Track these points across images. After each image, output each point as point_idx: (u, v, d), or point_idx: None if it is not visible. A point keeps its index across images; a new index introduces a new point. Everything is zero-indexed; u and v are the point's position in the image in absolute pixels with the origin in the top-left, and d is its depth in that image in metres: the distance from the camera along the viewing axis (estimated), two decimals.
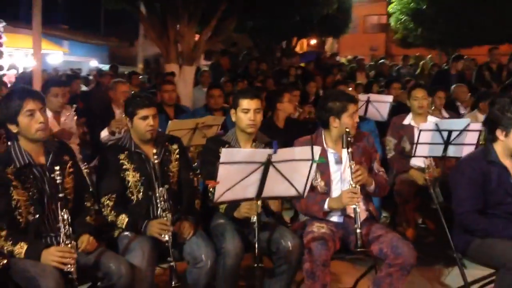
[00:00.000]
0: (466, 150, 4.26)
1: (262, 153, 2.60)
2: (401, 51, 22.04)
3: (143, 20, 9.86)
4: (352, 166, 3.21)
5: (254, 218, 2.78)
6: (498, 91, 8.48)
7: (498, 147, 3.32)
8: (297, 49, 20.76)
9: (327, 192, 3.44)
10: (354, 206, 3.18)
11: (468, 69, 10.49)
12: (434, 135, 4.24)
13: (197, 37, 10.02)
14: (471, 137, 4.24)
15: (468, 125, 4.20)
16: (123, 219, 3.19)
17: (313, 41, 26.46)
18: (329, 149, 3.52)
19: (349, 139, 3.27)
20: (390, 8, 19.15)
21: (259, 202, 2.75)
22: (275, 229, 3.32)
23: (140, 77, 11.78)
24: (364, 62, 13.10)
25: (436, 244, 4.89)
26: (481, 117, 5.89)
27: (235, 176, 2.60)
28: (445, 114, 5.54)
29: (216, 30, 9.73)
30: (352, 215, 3.24)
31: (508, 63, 9.78)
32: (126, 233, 3.19)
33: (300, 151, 2.69)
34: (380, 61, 13.87)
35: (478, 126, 4.25)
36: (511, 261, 3.03)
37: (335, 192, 3.44)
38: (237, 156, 2.56)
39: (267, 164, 2.61)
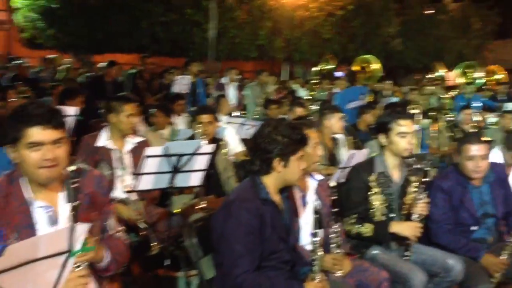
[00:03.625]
0: (195, 178, 3.50)
1: None
2: (28, 52, 19.81)
3: None
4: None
5: None
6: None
7: (269, 181, 2.62)
8: None
9: None
10: None
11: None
12: (162, 162, 3.26)
13: None
14: (201, 162, 3.46)
15: (199, 147, 3.40)
16: None
17: None
18: (37, 201, 2.11)
19: (75, 183, 1.98)
20: (16, 3, 16.91)
21: None
22: None
23: None
24: None
25: None
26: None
27: None
28: (141, 127, 4.62)
29: None
30: None
31: (163, 74, 9.56)
32: None
33: (49, 241, 1.28)
34: (19, 62, 11.76)
35: (209, 148, 3.50)
36: None
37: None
38: None
39: None
